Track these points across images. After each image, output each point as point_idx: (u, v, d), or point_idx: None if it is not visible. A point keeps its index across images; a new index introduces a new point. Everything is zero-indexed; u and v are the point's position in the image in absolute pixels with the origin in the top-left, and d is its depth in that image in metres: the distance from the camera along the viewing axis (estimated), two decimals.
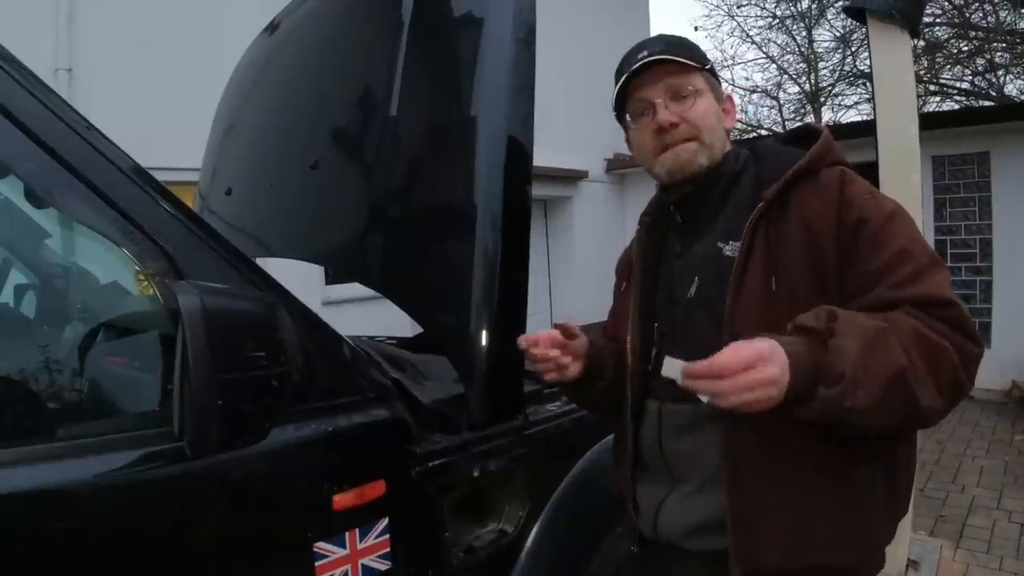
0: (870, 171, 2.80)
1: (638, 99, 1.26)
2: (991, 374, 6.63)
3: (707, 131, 1.23)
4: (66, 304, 1.44)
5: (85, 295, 1.43)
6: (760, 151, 1.30)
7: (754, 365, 0.88)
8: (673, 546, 1.25)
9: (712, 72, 1.29)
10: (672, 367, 0.99)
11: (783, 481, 1.10)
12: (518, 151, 1.56)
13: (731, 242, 1.20)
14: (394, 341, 2.49)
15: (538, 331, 1.27)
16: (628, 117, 1.30)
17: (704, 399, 0.93)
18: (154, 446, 1.06)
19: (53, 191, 1.09)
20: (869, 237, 1.06)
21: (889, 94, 2.82)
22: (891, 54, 2.79)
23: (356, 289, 5.70)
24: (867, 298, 1.04)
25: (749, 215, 1.17)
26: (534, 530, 1.63)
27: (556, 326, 1.26)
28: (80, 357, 1.19)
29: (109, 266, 1.28)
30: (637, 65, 1.22)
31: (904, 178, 2.77)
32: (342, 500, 1.23)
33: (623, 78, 1.24)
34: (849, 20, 13.04)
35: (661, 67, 1.22)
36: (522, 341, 1.25)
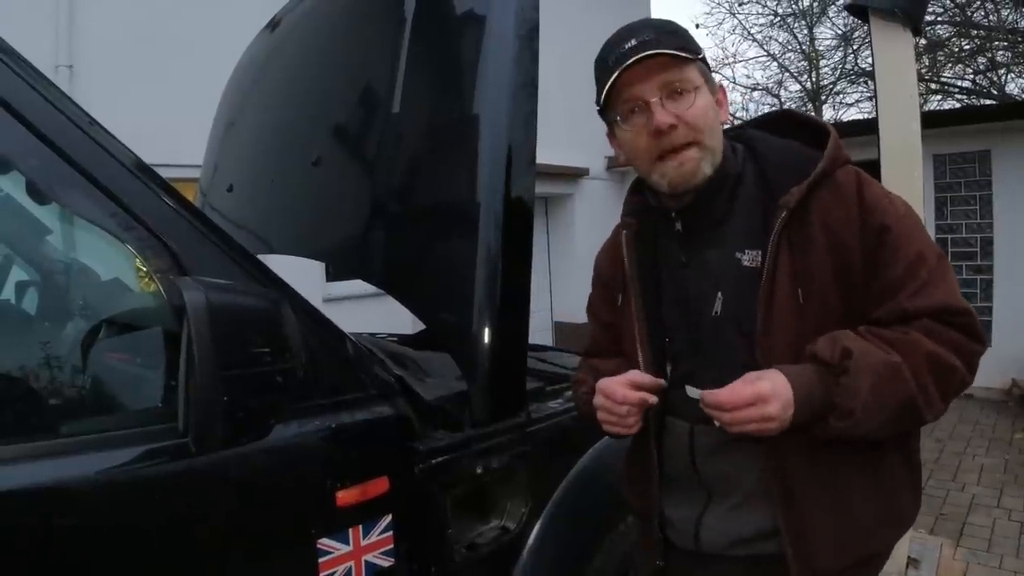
0: (872, 169, 2.80)
1: (630, 96, 1.13)
2: (991, 373, 6.63)
3: (708, 132, 1.13)
4: (69, 300, 1.44)
5: (88, 291, 1.43)
6: (754, 143, 1.22)
7: (754, 403, 1.00)
8: (712, 554, 1.24)
9: (704, 61, 1.16)
10: (694, 392, 1.10)
11: (830, 488, 1.13)
12: (521, 149, 1.56)
13: (747, 251, 1.14)
14: (395, 338, 2.49)
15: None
16: (618, 116, 1.17)
17: (716, 423, 1.05)
18: (158, 442, 1.06)
19: (56, 187, 1.09)
20: (891, 244, 1.08)
21: (891, 92, 2.81)
22: (893, 52, 2.78)
23: (357, 286, 5.70)
24: (888, 308, 1.08)
25: (761, 219, 1.14)
26: (536, 527, 1.63)
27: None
28: (83, 353, 1.18)
29: (112, 262, 1.28)
30: (631, 60, 1.08)
31: (906, 176, 2.76)
32: (345, 497, 1.23)
33: (614, 75, 1.10)
34: (851, 18, 13.03)
35: (653, 59, 1.09)
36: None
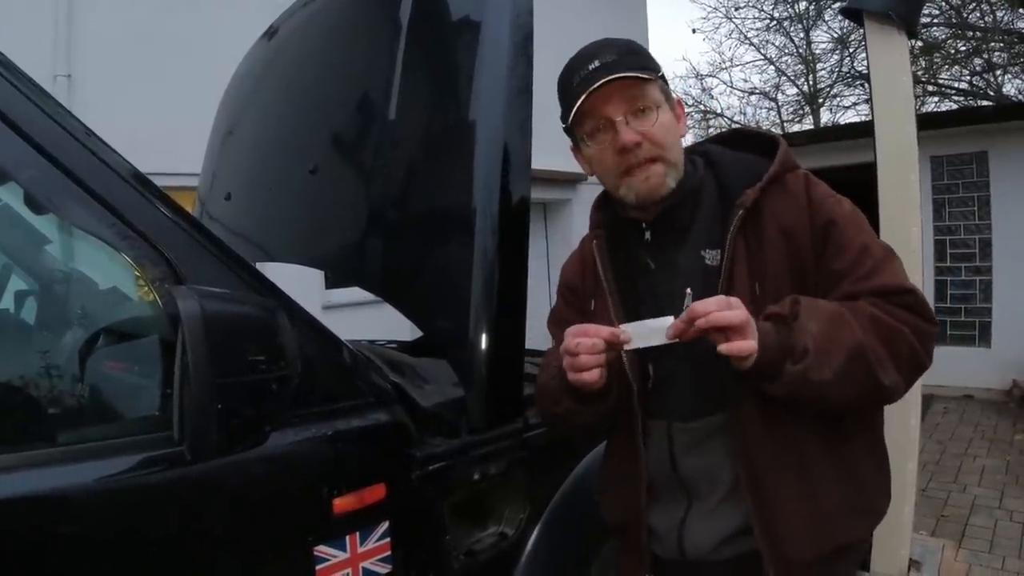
0: (869, 172, 2.81)
1: (595, 116, 1.19)
2: (991, 374, 6.64)
3: (670, 148, 1.20)
4: (66, 309, 1.43)
5: (84, 300, 1.43)
6: (713, 157, 1.30)
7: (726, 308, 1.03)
8: (696, 561, 1.25)
9: (664, 80, 1.23)
10: (648, 328, 1.08)
11: (799, 476, 1.16)
12: (516, 155, 1.57)
13: (708, 250, 1.21)
14: (394, 345, 2.50)
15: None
16: (584, 135, 1.22)
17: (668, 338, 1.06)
18: (154, 450, 1.06)
19: (53, 197, 1.09)
20: (837, 237, 1.15)
21: (887, 95, 2.82)
22: (888, 55, 2.79)
23: (356, 293, 5.71)
24: (834, 293, 1.14)
25: (721, 222, 1.20)
26: (534, 534, 1.63)
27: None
28: (79, 362, 1.18)
29: (108, 271, 1.28)
30: (598, 84, 1.13)
31: (903, 178, 2.77)
32: (342, 504, 1.24)
33: (582, 99, 1.15)
34: (847, 21, 13.04)
35: (617, 82, 1.14)
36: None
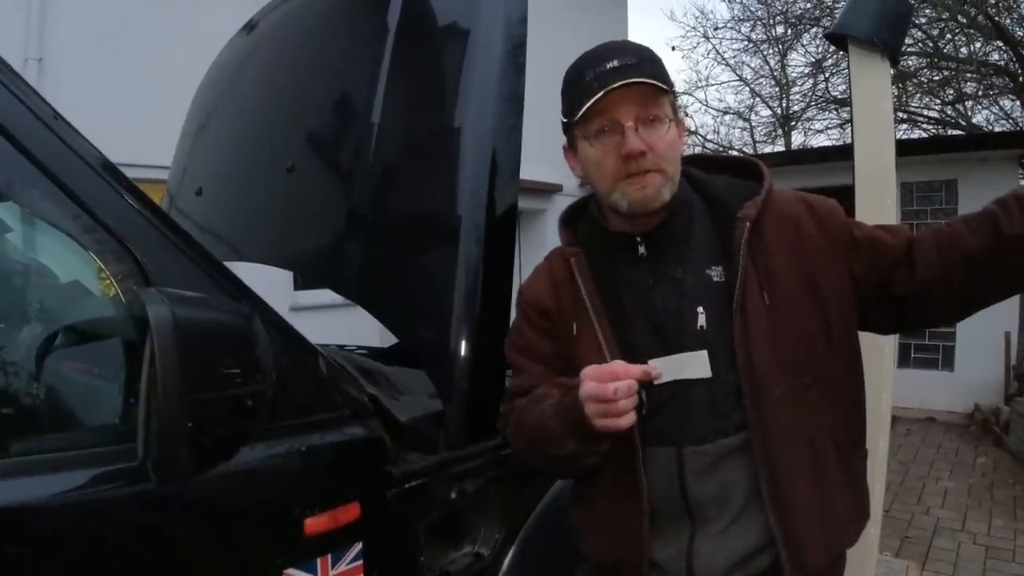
0: (846, 195, 2.82)
1: (605, 118, 1.13)
2: (954, 397, 6.76)
3: (671, 163, 1.17)
4: (21, 306, 1.33)
5: (43, 297, 1.33)
6: (693, 175, 1.28)
7: None
8: None
9: (675, 95, 1.20)
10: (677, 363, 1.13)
11: (816, 483, 1.16)
12: (504, 163, 1.53)
13: (712, 267, 1.20)
14: (364, 351, 2.42)
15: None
16: (588, 134, 1.17)
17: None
18: (114, 465, 0.99)
19: (14, 183, 1.01)
20: (864, 233, 1.19)
21: (867, 121, 2.82)
22: (871, 81, 2.79)
23: (324, 296, 5.60)
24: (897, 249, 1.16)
25: (718, 237, 1.20)
26: (510, 554, 1.57)
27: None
28: (35, 365, 1.10)
29: (71, 266, 1.20)
30: (617, 85, 1.09)
31: (879, 203, 2.78)
32: (315, 524, 1.17)
33: (597, 96, 1.10)
34: (822, 46, 13.27)
35: (635, 86, 1.10)
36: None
